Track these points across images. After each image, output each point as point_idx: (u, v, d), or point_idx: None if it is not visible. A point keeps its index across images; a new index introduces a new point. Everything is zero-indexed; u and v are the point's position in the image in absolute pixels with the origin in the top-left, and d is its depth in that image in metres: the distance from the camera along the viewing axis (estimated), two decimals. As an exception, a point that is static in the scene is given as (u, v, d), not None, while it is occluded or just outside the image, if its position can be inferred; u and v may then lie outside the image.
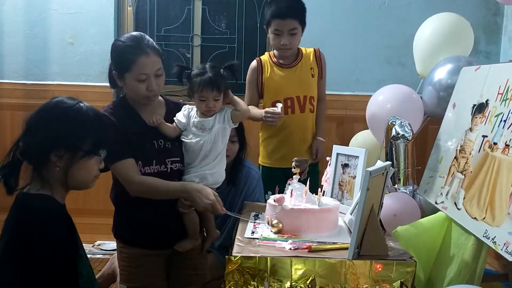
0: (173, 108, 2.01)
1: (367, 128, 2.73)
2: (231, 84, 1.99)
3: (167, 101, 2.04)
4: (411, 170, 2.31)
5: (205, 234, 2.12)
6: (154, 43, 1.87)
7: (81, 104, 1.41)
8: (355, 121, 3.04)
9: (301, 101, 2.40)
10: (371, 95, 2.63)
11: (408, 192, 2.28)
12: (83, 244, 1.50)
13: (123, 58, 1.81)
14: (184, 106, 2.00)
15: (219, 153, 1.96)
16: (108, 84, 3.10)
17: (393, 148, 2.32)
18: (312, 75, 2.44)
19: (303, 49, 2.47)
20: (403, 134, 2.30)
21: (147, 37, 1.87)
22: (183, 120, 1.93)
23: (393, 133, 2.31)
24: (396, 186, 2.31)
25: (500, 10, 3.09)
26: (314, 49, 2.48)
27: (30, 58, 3.17)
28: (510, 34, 3.04)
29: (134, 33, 1.91)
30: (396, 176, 2.33)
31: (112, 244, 3.02)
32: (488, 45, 3.10)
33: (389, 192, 2.28)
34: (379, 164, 1.57)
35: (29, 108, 3.26)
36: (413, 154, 2.31)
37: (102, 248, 3.17)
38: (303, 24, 2.38)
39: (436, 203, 1.92)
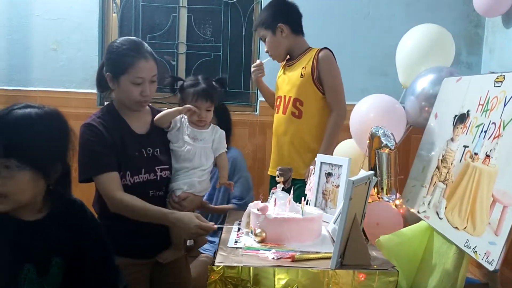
0: None
1: (351, 137, 2.75)
2: (222, 96, 2.04)
3: (153, 109, 2.04)
4: (394, 179, 2.32)
5: (187, 243, 2.11)
6: (151, 50, 1.89)
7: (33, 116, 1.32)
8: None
9: (285, 101, 2.30)
10: (354, 105, 2.65)
11: (390, 201, 2.30)
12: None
13: (121, 60, 1.81)
14: (173, 120, 2.01)
15: (208, 166, 1.97)
16: (91, 90, 3.13)
17: (376, 158, 2.33)
18: (301, 74, 2.24)
19: (313, 49, 2.32)
20: (386, 144, 2.32)
21: (145, 43, 1.88)
22: (178, 124, 1.95)
23: (376, 142, 2.33)
24: (379, 195, 2.33)
25: (481, 22, 3.14)
26: (319, 49, 2.28)
27: (12, 64, 3.12)
28: (491, 46, 3.09)
29: (133, 37, 1.93)
30: (379, 185, 2.35)
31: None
32: (470, 56, 3.15)
33: (372, 201, 2.30)
34: (362, 173, 1.58)
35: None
36: (396, 163, 2.33)
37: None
38: (269, 26, 2.28)
39: (418, 212, 1.94)
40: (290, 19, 2.30)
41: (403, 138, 2.69)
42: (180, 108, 1.97)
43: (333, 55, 2.28)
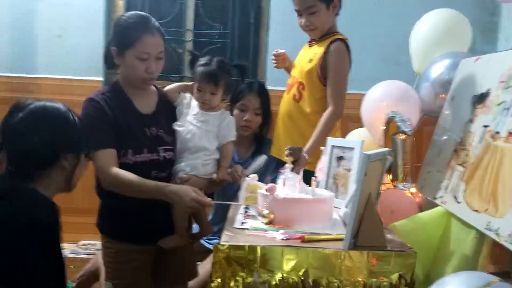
0: (164, 98, 1.96)
1: (361, 127, 2.66)
2: (233, 84, 2.00)
3: (159, 90, 1.99)
4: (410, 166, 2.24)
5: (192, 231, 2.04)
6: (159, 25, 1.83)
7: (62, 107, 1.46)
8: (349, 120, 2.95)
9: (293, 81, 2.18)
10: (364, 94, 2.56)
11: (406, 190, 2.21)
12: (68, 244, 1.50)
13: (127, 33, 1.77)
14: (183, 94, 1.96)
15: (212, 150, 1.91)
16: (96, 78, 3.08)
17: (392, 144, 2.25)
18: (310, 60, 2.10)
19: (338, 34, 2.14)
20: (403, 129, 2.23)
21: (153, 19, 1.83)
22: (185, 100, 1.93)
23: (393, 128, 2.25)
24: (394, 183, 2.24)
25: (497, 9, 3.05)
26: (334, 38, 2.10)
27: (16, 51, 3.07)
28: (507, 34, 3.00)
29: (141, 12, 1.89)
30: (394, 173, 2.26)
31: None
32: (485, 45, 3.06)
33: (387, 189, 2.22)
34: (378, 149, 1.49)
35: (12, 101, 3.17)
36: (413, 150, 2.24)
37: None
38: (326, 1, 2.07)
39: (434, 198, 1.85)
40: None
41: (416, 127, 2.60)
42: (189, 84, 1.93)
43: (347, 48, 2.13)
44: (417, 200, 2.19)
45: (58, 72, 3.08)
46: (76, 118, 1.46)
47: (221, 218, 2.24)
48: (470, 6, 3.00)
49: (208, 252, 2.38)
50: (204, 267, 2.25)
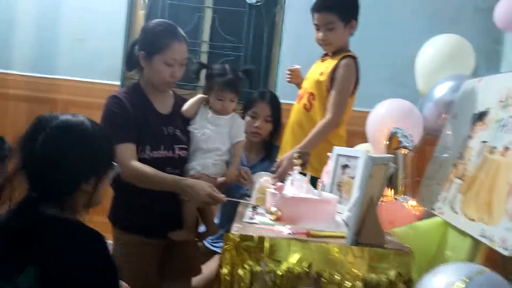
0: (180, 102, 2.08)
1: (365, 142, 2.76)
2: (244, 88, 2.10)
3: (175, 94, 2.11)
4: (410, 180, 2.33)
5: (199, 229, 2.14)
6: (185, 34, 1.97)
7: (86, 122, 1.32)
8: (355, 136, 3.03)
9: (304, 92, 2.29)
10: (369, 111, 2.66)
11: (405, 202, 2.30)
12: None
13: (157, 39, 1.89)
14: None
15: (224, 151, 2.01)
16: (114, 82, 3.20)
17: (394, 158, 2.35)
18: (321, 72, 2.22)
19: (350, 52, 2.26)
20: (404, 144, 2.34)
21: (178, 27, 1.96)
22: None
23: (394, 143, 2.35)
24: (394, 195, 2.33)
25: (501, 38, 3.17)
26: (345, 54, 2.22)
27: (39, 52, 3.21)
28: (510, 62, 3.11)
29: (167, 20, 2.01)
30: (395, 186, 2.36)
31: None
32: (488, 71, 3.16)
33: (387, 201, 2.31)
34: (382, 154, 1.59)
35: (33, 100, 3.31)
36: (413, 164, 2.34)
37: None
38: (345, 18, 2.19)
39: (433, 209, 1.94)
40: (357, 19, 2.27)
41: (419, 146, 2.70)
42: (202, 97, 2.03)
43: (356, 65, 2.26)
44: (416, 213, 2.28)
45: (78, 75, 3.21)
46: (99, 131, 1.34)
47: (228, 221, 2.34)
48: (475, 33, 3.12)
49: (212, 254, 2.46)
50: (208, 267, 2.33)
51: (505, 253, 1.36)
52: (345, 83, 2.18)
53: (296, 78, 2.44)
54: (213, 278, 2.16)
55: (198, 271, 2.20)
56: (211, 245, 2.53)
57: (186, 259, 2.10)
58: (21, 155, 1.26)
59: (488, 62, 3.12)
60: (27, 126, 1.28)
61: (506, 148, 1.57)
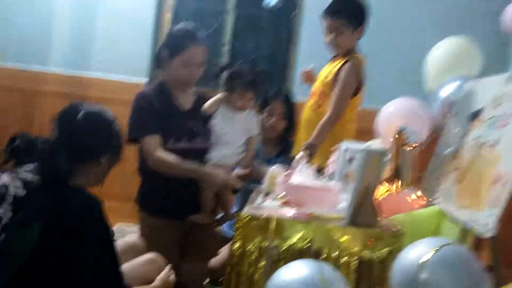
0: (201, 98, 2.28)
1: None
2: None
3: (197, 91, 2.32)
4: (416, 174, 2.49)
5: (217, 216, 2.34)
6: (204, 37, 2.16)
7: (111, 114, 1.63)
8: (367, 132, 3.17)
9: (315, 91, 2.47)
10: (379, 108, 2.82)
11: (410, 194, 2.45)
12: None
13: (179, 41, 2.10)
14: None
15: (239, 144, 2.21)
16: (141, 79, 3.44)
17: (400, 153, 2.51)
18: (329, 72, 2.41)
19: (356, 53, 2.44)
20: (410, 140, 2.49)
21: (200, 31, 2.16)
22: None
23: (401, 138, 2.51)
24: (400, 187, 2.49)
25: (509, 41, 3.28)
26: (354, 57, 2.40)
27: (75, 50, 3.47)
28: (519, 64, 3.23)
29: (191, 25, 2.22)
30: (401, 178, 2.52)
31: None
32: (496, 73, 3.24)
33: (391, 193, 2.47)
34: (377, 145, 1.77)
35: (69, 96, 3.56)
36: (419, 159, 2.50)
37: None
38: (354, 24, 2.36)
39: (431, 199, 2.10)
40: (366, 25, 2.44)
41: (426, 142, 2.84)
42: (222, 96, 2.22)
43: (360, 65, 2.42)
44: (422, 203, 2.44)
45: (110, 72, 3.46)
46: (118, 126, 1.64)
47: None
48: (484, 35, 3.21)
49: (228, 241, 2.67)
50: (225, 250, 2.54)
51: (487, 235, 1.52)
52: (345, 83, 2.35)
53: (310, 79, 2.63)
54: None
55: (215, 254, 2.41)
56: (229, 230, 2.73)
57: (204, 242, 2.30)
58: (60, 128, 1.53)
59: (497, 64, 3.23)
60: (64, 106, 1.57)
61: (494, 143, 1.72)
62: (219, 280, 2.47)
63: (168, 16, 3.57)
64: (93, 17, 3.46)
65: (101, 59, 3.47)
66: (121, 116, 3.52)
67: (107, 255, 1.46)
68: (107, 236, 1.47)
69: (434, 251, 1.12)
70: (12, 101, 3.47)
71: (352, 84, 2.38)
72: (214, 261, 2.43)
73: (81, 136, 1.53)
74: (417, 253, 1.15)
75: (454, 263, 1.12)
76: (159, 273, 1.72)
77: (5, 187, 1.43)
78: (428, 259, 1.12)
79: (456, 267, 1.11)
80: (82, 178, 1.52)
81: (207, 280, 2.51)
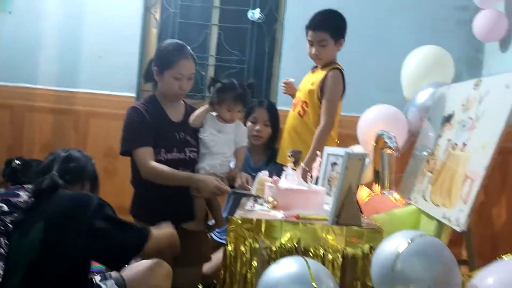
0: (190, 110, 2.39)
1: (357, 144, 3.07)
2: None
3: (186, 104, 2.43)
4: (394, 176, 2.63)
5: (209, 223, 2.44)
6: (192, 52, 2.27)
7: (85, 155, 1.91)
8: (348, 138, 3.28)
9: (298, 101, 2.60)
10: (359, 116, 2.97)
11: (390, 195, 2.60)
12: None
13: (167, 57, 2.21)
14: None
15: (229, 155, 2.32)
16: (130, 94, 3.53)
17: (380, 158, 2.65)
18: (312, 83, 2.53)
19: (337, 64, 2.55)
20: (389, 145, 2.64)
21: (187, 46, 2.27)
22: (206, 119, 2.30)
23: (380, 144, 2.66)
24: (381, 190, 2.64)
25: (481, 46, 3.45)
26: (332, 67, 2.52)
27: (62, 67, 3.53)
28: (490, 70, 3.40)
29: (178, 40, 2.33)
30: (381, 182, 2.66)
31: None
32: (469, 79, 3.43)
33: (374, 195, 2.61)
34: (358, 150, 1.90)
35: (58, 112, 3.64)
36: (397, 163, 2.65)
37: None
38: (336, 37, 2.50)
39: (410, 199, 2.24)
40: (345, 37, 2.58)
41: (405, 147, 3.00)
42: (207, 107, 2.32)
43: (343, 75, 2.56)
44: (401, 204, 2.59)
45: (98, 88, 3.54)
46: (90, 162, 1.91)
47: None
48: (456, 43, 3.40)
49: (219, 246, 2.77)
50: (217, 256, 2.64)
51: (458, 229, 1.66)
52: (333, 93, 2.50)
53: (290, 90, 2.77)
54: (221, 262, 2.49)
55: (208, 259, 2.51)
56: (219, 238, 2.84)
57: (197, 247, 2.39)
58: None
59: (470, 70, 3.41)
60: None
61: (464, 144, 1.87)
62: (212, 286, 2.58)
63: (154, 31, 3.68)
64: (80, 34, 3.54)
65: (89, 74, 3.54)
66: (110, 129, 3.63)
67: (118, 223, 1.66)
68: (110, 211, 1.66)
69: (408, 243, 1.24)
70: (1, 118, 3.54)
71: (339, 92, 2.53)
72: (207, 267, 2.52)
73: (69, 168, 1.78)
74: (393, 245, 1.28)
75: (427, 253, 1.25)
76: (166, 276, 1.81)
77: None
78: (403, 250, 1.24)
79: (429, 256, 1.24)
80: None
81: (200, 286, 2.60)
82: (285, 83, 2.77)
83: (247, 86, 2.35)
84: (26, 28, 3.53)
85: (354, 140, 3.03)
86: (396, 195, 2.57)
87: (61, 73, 3.54)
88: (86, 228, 1.56)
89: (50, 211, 1.61)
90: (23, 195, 1.93)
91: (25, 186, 1.99)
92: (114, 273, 1.77)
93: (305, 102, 2.56)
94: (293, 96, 2.75)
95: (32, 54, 3.53)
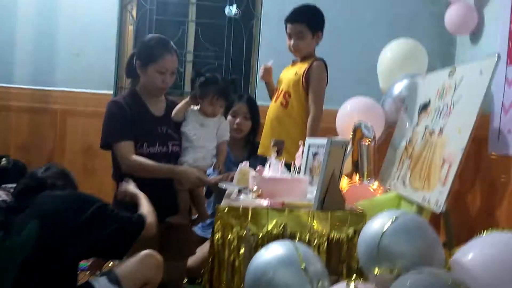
0: (171, 104, 2.40)
1: (337, 135, 3.12)
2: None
3: (167, 98, 2.44)
4: (373, 166, 2.69)
5: (192, 217, 2.46)
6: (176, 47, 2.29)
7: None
8: (328, 132, 3.35)
9: (279, 92, 2.65)
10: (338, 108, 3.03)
11: (370, 185, 2.65)
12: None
13: (152, 51, 2.22)
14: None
15: (211, 148, 2.34)
16: (107, 91, 3.51)
17: (358, 148, 2.71)
18: (296, 73, 2.58)
19: (314, 57, 2.63)
20: (366, 135, 2.70)
21: (171, 41, 2.29)
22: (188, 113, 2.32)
23: (358, 134, 2.71)
24: (360, 179, 2.69)
25: (453, 40, 3.57)
26: (316, 58, 2.61)
27: (38, 66, 3.49)
28: (461, 61, 3.51)
29: (161, 35, 2.33)
30: (360, 171, 2.72)
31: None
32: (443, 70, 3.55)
33: (353, 185, 2.67)
34: (339, 138, 1.95)
35: (34, 111, 3.59)
36: (375, 152, 2.70)
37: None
38: (313, 29, 2.58)
39: (389, 186, 2.30)
40: (323, 31, 2.66)
41: (383, 137, 3.07)
42: (188, 101, 2.33)
43: (326, 66, 2.65)
44: (379, 193, 2.65)
45: (74, 86, 3.51)
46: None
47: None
48: (429, 36, 3.51)
49: (203, 240, 2.79)
50: (202, 249, 2.65)
51: (438, 210, 1.72)
52: (320, 83, 2.59)
53: (268, 76, 2.80)
54: (206, 258, 2.50)
55: (192, 253, 2.52)
56: (202, 232, 2.85)
57: (182, 241, 2.41)
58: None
59: (443, 62, 3.51)
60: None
61: (441, 130, 1.94)
62: (197, 279, 2.59)
63: (130, 28, 3.66)
64: (56, 32, 3.49)
65: (66, 72, 3.50)
66: (88, 127, 3.60)
67: (113, 216, 1.68)
68: (103, 207, 1.68)
69: (392, 221, 1.29)
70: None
71: (324, 82, 2.62)
72: (191, 260, 2.54)
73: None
74: (378, 224, 1.32)
75: (410, 230, 1.30)
76: (157, 267, 1.82)
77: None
78: (388, 228, 1.29)
79: (413, 232, 1.29)
80: None
81: (186, 279, 2.62)
82: (265, 67, 2.79)
83: (230, 81, 2.38)
84: (1, 25, 3.47)
85: (334, 133, 3.08)
86: (375, 184, 2.64)
87: (36, 72, 3.49)
88: (84, 226, 1.58)
89: (45, 210, 1.60)
90: (2, 195, 1.88)
91: (2, 185, 1.95)
92: (105, 270, 1.77)
93: (288, 93, 2.60)
94: (268, 84, 2.79)
95: (6, 53, 3.48)
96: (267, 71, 2.80)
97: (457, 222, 2.81)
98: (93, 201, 1.66)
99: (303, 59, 2.64)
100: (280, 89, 2.66)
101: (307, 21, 2.58)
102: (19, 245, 1.49)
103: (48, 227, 1.53)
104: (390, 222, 1.29)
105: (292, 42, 2.61)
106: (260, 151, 2.68)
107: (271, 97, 2.79)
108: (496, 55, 1.69)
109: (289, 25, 2.60)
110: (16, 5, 3.48)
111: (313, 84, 2.56)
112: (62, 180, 1.79)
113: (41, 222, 1.53)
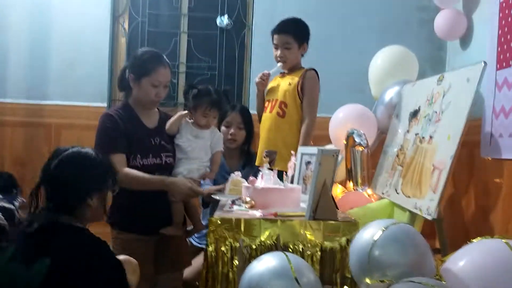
0: (164, 116, 2.40)
1: (330, 143, 3.14)
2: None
3: (160, 111, 2.44)
4: (366, 172, 2.71)
5: (187, 228, 2.46)
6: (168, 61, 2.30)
7: (90, 152, 1.67)
8: (321, 139, 3.37)
9: (273, 103, 2.66)
10: (331, 117, 3.05)
11: (363, 191, 2.68)
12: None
13: (145, 64, 2.22)
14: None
15: (206, 160, 2.35)
16: (101, 104, 3.52)
17: (351, 155, 2.73)
18: (289, 83, 2.61)
19: (304, 68, 2.67)
20: (359, 142, 2.72)
21: (163, 55, 2.29)
22: (182, 125, 2.32)
23: (351, 142, 2.73)
24: (354, 186, 2.71)
25: (443, 45, 3.60)
26: (308, 68, 2.65)
27: (31, 79, 3.49)
28: (452, 66, 3.54)
29: (154, 49, 2.34)
30: (354, 178, 2.73)
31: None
32: (434, 75, 3.57)
33: (348, 191, 2.69)
34: (330, 147, 1.96)
35: (29, 125, 3.58)
36: (368, 159, 2.72)
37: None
38: (299, 40, 2.63)
39: (382, 193, 2.31)
40: (308, 43, 2.71)
41: (376, 143, 3.09)
42: (183, 113, 2.35)
43: (317, 75, 2.69)
44: (373, 200, 2.66)
45: (68, 99, 3.51)
46: (102, 159, 1.67)
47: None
48: (420, 43, 3.54)
49: (198, 251, 2.79)
50: (197, 261, 2.65)
51: (429, 217, 1.73)
52: (313, 91, 2.63)
53: (263, 85, 2.81)
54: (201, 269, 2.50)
55: (188, 264, 2.52)
56: (198, 243, 2.85)
57: (177, 253, 2.40)
58: (41, 175, 1.61)
59: (433, 68, 3.54)
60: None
61: (431, 137, 1.95)
62: (193, 290, 2.59)
63: (123, 40, 3.68)
64: (48, 45, 3.51)
65: (59, 86, 3.51)
66: (82, 140, 3.61)
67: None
68: (118, 273, 1.58)
69: (383, 230, 1.30)
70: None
71: (317, 91, 2.66)
72: (187, 272, 2.54)
73: (59, 183, 1.59)
74: (369, 234, 1.33)
75: (401, 239, 1.31)
76: (134, 272, 1.78)
77: None
78: (378, 238, 1.30)
79: (403, 242, 1.30)
80: (79, 220, 1.60)
81: (182, 290, 2.61)
82: (264, 74, 2.80)
83: (222, 92, 2.39)
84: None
85: (327, 140, 3.10)
86: (369, 190, 2.65)
87: (30, 86, 3.50)
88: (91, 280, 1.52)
89: (60, 251, 1.51)
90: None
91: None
92: None
93: (284, 103, 2.63)
94: (260, 92, 2.80)
95: (1, 67, 3.48)
96: (265, 80, 2.81)
97: (452, 226, 2.83)
98: (111, 265, 1.58)
99: (291, 70, 2.67)
100: (274, 99, 2.68)
101: (293, 32, 2.63)
102: (26, 277, 1.44)
103: (57, 270, 1.47)
104: (380, 232, 1.30)
105: (278, 52, 2.66)
106: (258, 162, 2.69)
107: (259, 107, 2.81)
108: (482, 62, 1.71)
109: (276, 36, 2.66)
110: (8, 19, 3.50)
111: (307, 93, 2.61)
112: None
113: (52, 262, 1.46)
